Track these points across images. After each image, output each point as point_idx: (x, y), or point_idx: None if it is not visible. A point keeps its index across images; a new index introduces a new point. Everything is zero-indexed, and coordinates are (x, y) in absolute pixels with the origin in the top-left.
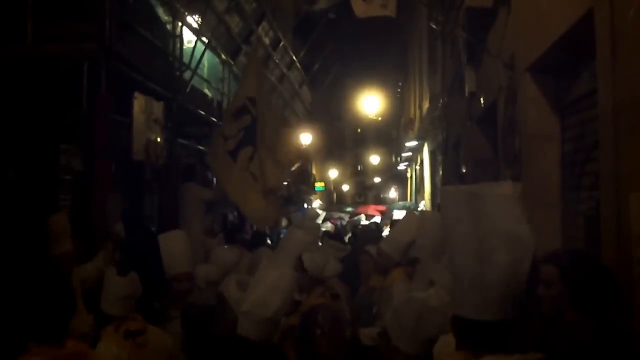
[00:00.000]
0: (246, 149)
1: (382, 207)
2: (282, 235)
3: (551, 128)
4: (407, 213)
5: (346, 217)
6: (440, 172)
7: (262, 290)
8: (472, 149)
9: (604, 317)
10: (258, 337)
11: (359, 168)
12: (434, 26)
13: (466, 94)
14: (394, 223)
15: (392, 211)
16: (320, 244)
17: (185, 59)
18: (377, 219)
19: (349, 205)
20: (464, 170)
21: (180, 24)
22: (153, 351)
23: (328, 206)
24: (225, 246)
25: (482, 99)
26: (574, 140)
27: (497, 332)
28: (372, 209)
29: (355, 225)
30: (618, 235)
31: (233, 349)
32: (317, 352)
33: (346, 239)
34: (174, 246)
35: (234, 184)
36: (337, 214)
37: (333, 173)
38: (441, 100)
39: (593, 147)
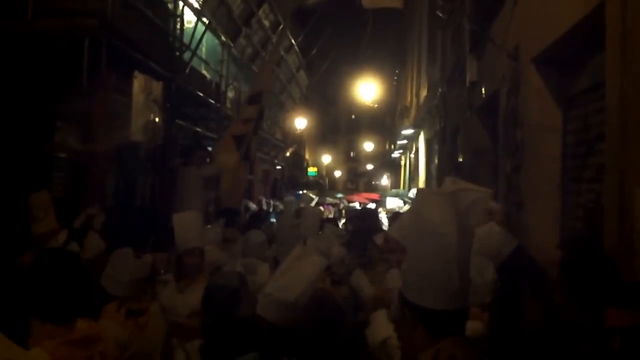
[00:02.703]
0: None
1: (374, 195)
2: (273, 220)
3: (554, 120)
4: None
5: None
6: (436, 161)
7: (289, 275)
8: (470, 139)
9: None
10: (277, 321)
11: (352, 154)
12: (440, 14)
13: (467, 83)
14: (395, 216)
15: (386, 199)
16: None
17: (186, 39)
18: (371, 206)
19: (340, 192)
20: (461, 160)
21: (181, 3)
22: (153, 332)
23: (320, 191)
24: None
25: (483, 88)
26: (576, 133)
27: (456, 320)
28: (362, 197)
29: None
30: (621, 228)
31: (254, 330)
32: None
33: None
34: (187, 224)
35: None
36: (330, 199)
37: (326, 158)
38: (440, 89)
39: (595, 140)
